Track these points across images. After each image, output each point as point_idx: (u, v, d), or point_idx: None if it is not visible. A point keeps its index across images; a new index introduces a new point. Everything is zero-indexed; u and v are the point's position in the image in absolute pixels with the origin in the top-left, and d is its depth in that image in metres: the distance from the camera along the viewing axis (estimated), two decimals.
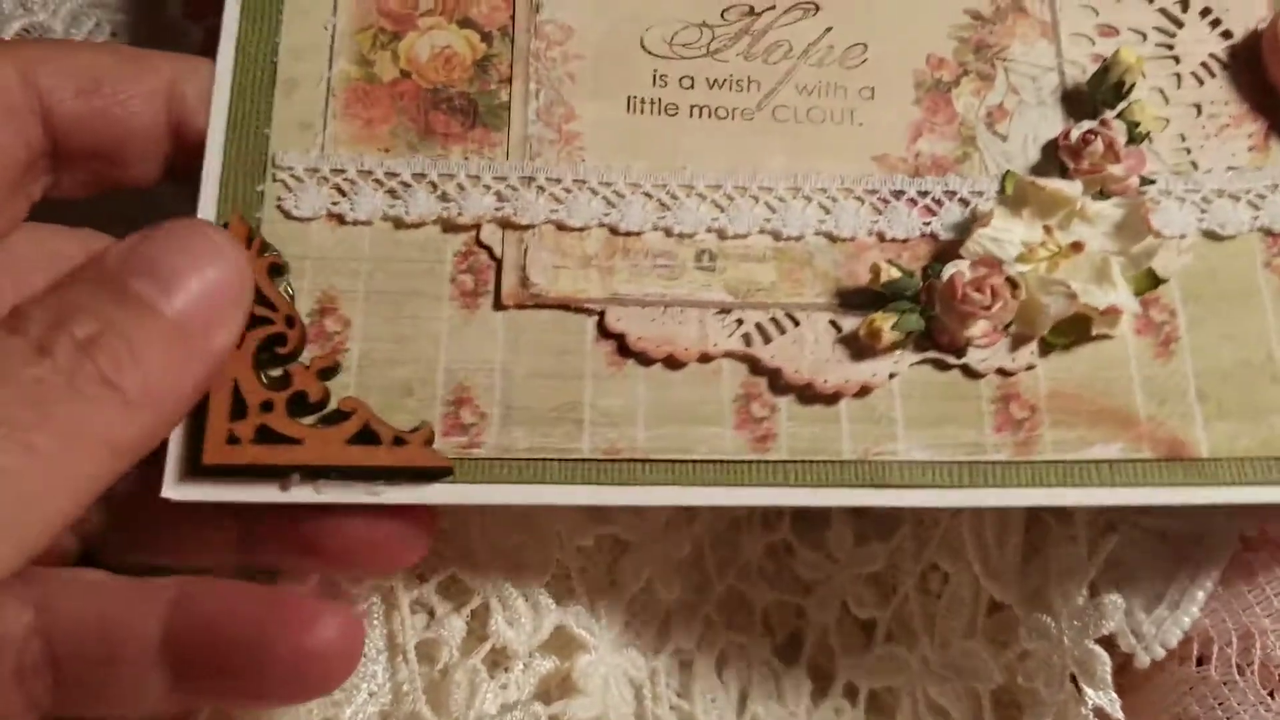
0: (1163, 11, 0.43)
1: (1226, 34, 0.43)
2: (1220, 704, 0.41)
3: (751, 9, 0.42)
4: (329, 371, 0.37)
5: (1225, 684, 0.42)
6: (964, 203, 0.40)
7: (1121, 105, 0.41)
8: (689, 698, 0.46)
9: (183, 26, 0.49)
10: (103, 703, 0.34)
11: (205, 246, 0.34)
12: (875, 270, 0.38)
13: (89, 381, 0.31)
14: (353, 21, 0.41)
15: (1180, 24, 0.43)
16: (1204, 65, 0.42)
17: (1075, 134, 0.40)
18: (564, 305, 0.39)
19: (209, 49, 0.40)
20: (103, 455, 0.31)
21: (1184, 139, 0.42)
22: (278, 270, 0.38)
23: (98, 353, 0.31)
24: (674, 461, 0.37)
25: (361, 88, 0.40)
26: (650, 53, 0.42)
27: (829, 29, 0.42)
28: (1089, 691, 0.42)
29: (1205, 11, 0.43)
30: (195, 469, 0.35)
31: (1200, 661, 0.43)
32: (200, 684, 0.34)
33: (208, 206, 0.38)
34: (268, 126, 0.40)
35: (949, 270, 0.38)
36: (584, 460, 0.37)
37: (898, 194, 0.40)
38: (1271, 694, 0.41)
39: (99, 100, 0.37)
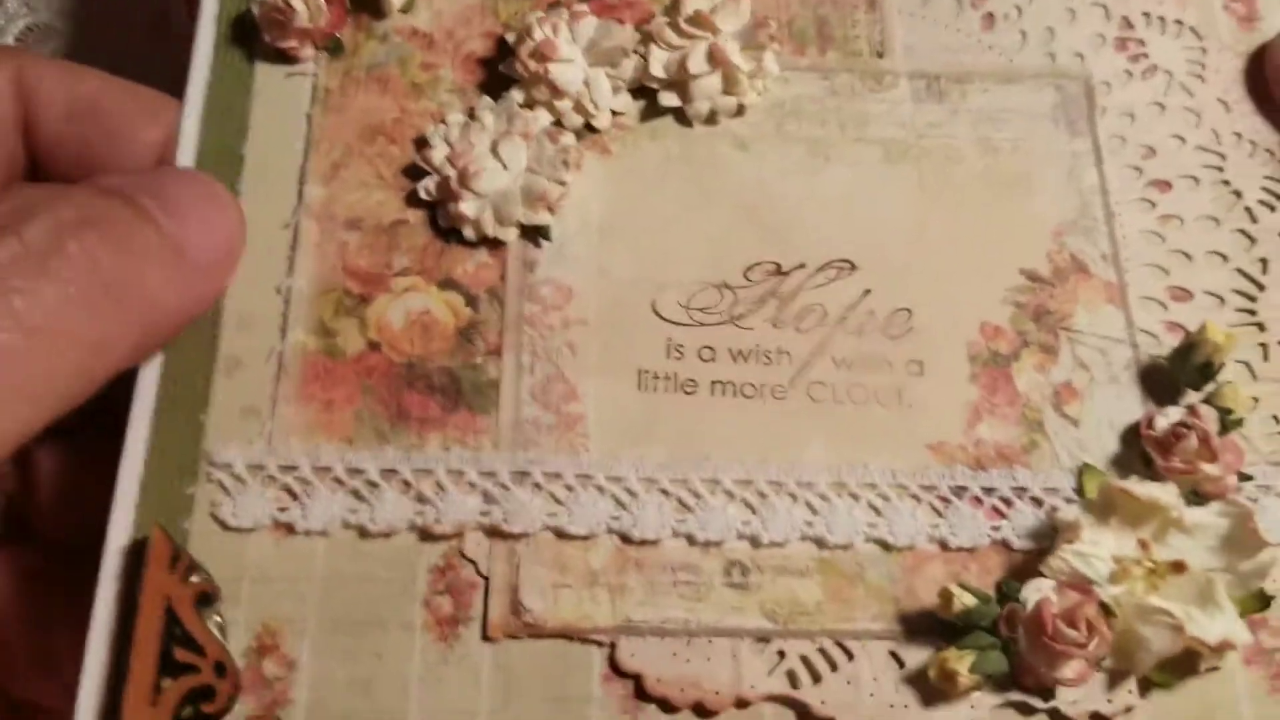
0: (1241, 272, 0.38)
1: None
2: None
3: (778, 267, 0.37)
4: None
5: None
6: (1036, 501, 0.34)
7: (1209, 387, 0.35)
8: None
9: (187, 27, 0.45)
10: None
11: (209, 192, 0.33)
12: (945, 596, 0.32)
13: (67, 264, 0.28)
14: (313, 283, 0.35)
15: (1262, 286, 0.38)
16: None
17: (1162, 424, 0.34)
18: (566, 635, 0.32)
19: None
20: (78, 353, 0.28)
21: (1278, 421, 0.36)
22: (207, 599, 0.30)
23: (85, 232, 0.28)
24: None
25: (321, 363, 0.34)
26: (664, 318, 0.36)
27: (868, 291, 0.36)
28: None
29: None
30: None
31: None
32: None
33: (123, 513, 0.31)
34: (203, 412, 0.33)
35: (1032, 596, 0.32)
36: None
37: (959, 491, 0.34)
38: None
39: (89, 130, 0.35)
